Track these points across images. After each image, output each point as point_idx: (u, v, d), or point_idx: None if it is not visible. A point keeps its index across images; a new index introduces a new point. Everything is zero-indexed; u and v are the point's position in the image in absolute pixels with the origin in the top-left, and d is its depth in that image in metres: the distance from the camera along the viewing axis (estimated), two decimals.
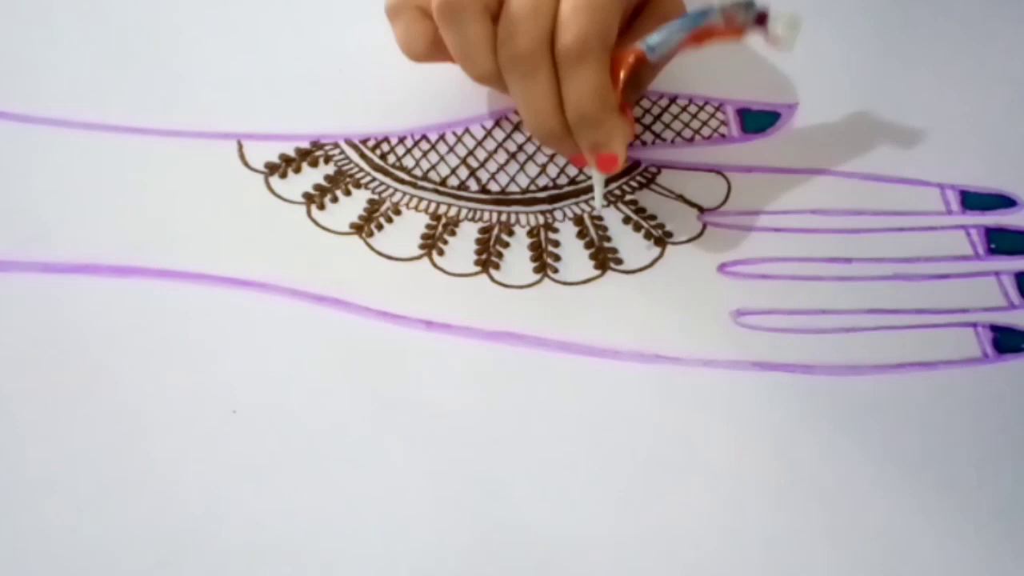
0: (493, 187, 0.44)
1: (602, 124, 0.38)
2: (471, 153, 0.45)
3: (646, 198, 0.44)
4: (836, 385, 0.39)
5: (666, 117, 0.46)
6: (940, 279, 0.42)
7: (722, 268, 0.42)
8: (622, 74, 0.39)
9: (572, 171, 0.44)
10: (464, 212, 0.43)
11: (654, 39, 0.38)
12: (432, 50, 0.41)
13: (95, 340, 0.39)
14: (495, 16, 0.39)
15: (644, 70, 0.41)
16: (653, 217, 0.43)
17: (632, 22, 0.41)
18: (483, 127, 0.45)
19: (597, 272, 0.41)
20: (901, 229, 0.43)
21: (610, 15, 0.38)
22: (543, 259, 0.42)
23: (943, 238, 0.43)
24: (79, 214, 0.42)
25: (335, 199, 0.43)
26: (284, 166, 0.44)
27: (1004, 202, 0.44)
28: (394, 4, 0.41)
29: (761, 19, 0.40)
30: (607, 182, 0.43)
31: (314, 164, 0.44)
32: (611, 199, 0.43)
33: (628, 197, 0.44)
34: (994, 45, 0.49)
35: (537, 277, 0.41)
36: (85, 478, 0.36)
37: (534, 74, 0.38)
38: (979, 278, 0.42)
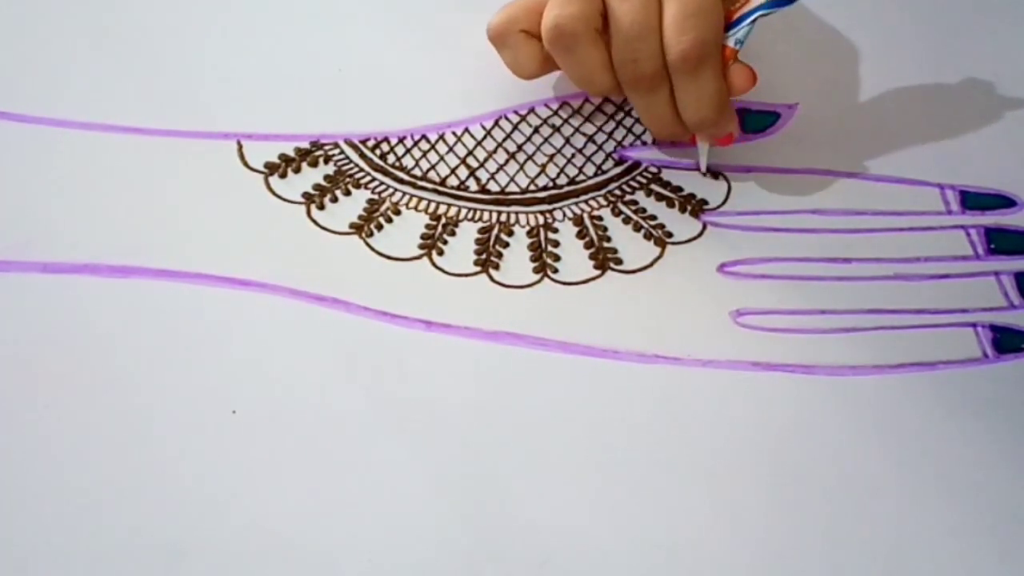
0: (493, 187, 0.44)
1: (719, 123, 0.41)
2: (471, 153, 0.45)
3: (646, 198, 0.44)
4: (836, 385, 0.39)
5: None
6: (940, 279, 0.42)
7: (722, 268, 0.42)
8: (726, 68, 0.40)
9: (571, 171, 0.44)
10: (464, 212, 0.43)
11: (741, 33, 0.40)
12: (543, 69, 0.43)
13: (95, 340, 0.39)
14: (601, 31, 0.40)
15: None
16: (653, 217, 0.43)
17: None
18: (483, 127, 0.45)
19: (597, 272, 0.41)
20: (901, 229, 0.43)
21: (717, 16, 0.39)
22: (543, 259, 0.42)
23: (943, 238, 0.43)
24: (79, 214, 0.42)
25: (335, 199, 0.43)
26: (284, 166, 0.44)
27: (1004, 202, 0.44)
28: (498, 30, 0.42)
29: None
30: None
31: (314, 164, 0.44)
32: (611, 199, 0.44)
33: (628, 197, 0.44)
34: (993, 45, 0.49)
35: (537, 277, 0.41)
36: (85, 478, 0.36)
37: (658, 89, 0.40)
38: (979, 278, 0.42)
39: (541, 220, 0.43)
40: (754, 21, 0.40)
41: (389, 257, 0.42)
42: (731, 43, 0.40)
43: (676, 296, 0.41)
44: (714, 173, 0.44)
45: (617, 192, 0.44)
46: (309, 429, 0.37)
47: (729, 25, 0.40)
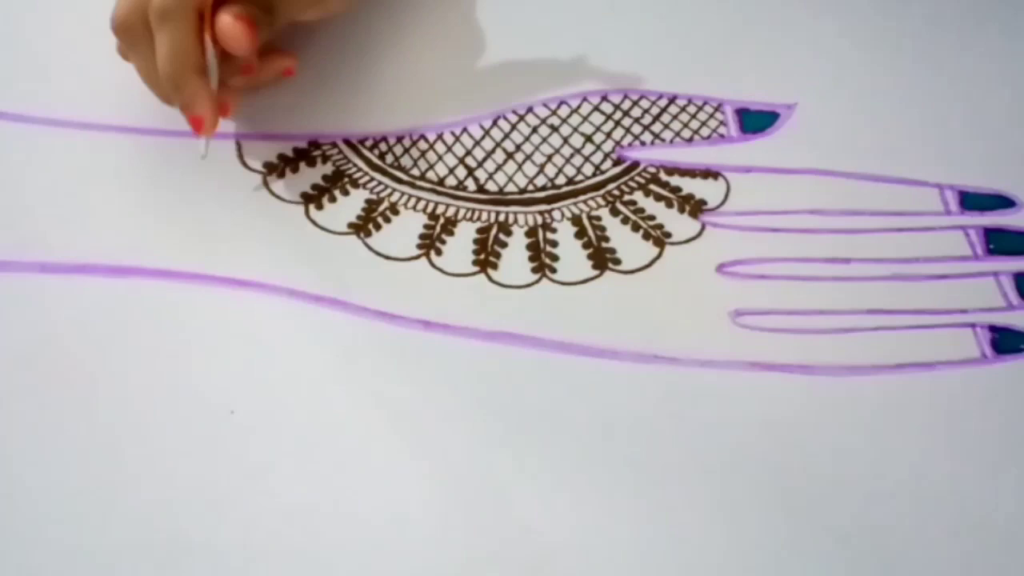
0: (491, 187, 0.44)
1: (184, 86, 0.39)
2: (469, 153, 0.45)
3: (645, 198, 0.44)
4: (834, 385, 0.39)
5: (665, 117, 0.46)
6: (939, 279, 0.42)
7: (721, 268, 0.42)
8: (207, 33, 0.39)
9: (570, 171, 0.44)
10: (462, 212, 0.43)
11: None
12: None
13: (94, 340, 0.39)
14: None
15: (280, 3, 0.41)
16: (652, 217, 0.43)
17: None
18: (481, 127, 0.45)
19: (595, 272, 0.41)
20: (900, 229, 0.43)
21: None
22: (541, 259, 0.42)
23: (942, 238, 0.43)
24: (78, 214, 0.42)
25: (333, 199, 0.43)
26: (282, 166, 0.44)
27: (1003, 203, 0.44)
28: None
29: None
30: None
31: (312, 164, 0.44)
32: (610, 199, 0.44)
33: (627, 197, 0.44)
34: (993, 46, 0.49)
35: (535, 277, 0.41)
36: (84, 478, 0.36)
37: (136, 43, 0.40)
38: (978, 279, 0.42)
39: (539, 220, 0.43)
40: None
41: (388, 257, 0.42)
42: None
43: (675, 296, 0.41)
44: (713, 173, 0.44)
45: (616, 192, 0.44)
46: (307, 429, 0.37)
47: None
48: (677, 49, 0.48)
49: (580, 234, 0.42)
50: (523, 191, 0.44)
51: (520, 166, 0.44)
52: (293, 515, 0.35)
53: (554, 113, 0.46)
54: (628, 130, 0.45)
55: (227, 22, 0.39)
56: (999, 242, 0.43)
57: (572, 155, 0.45)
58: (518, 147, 0.45)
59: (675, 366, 0.39)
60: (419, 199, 0.43)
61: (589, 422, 0.38)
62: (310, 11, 0.43)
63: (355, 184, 0.43)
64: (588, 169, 0.44)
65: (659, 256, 0.42)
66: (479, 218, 0.43)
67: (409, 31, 0.48)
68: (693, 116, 0.46)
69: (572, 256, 0.42)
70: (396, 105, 0.46)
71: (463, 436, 0.37)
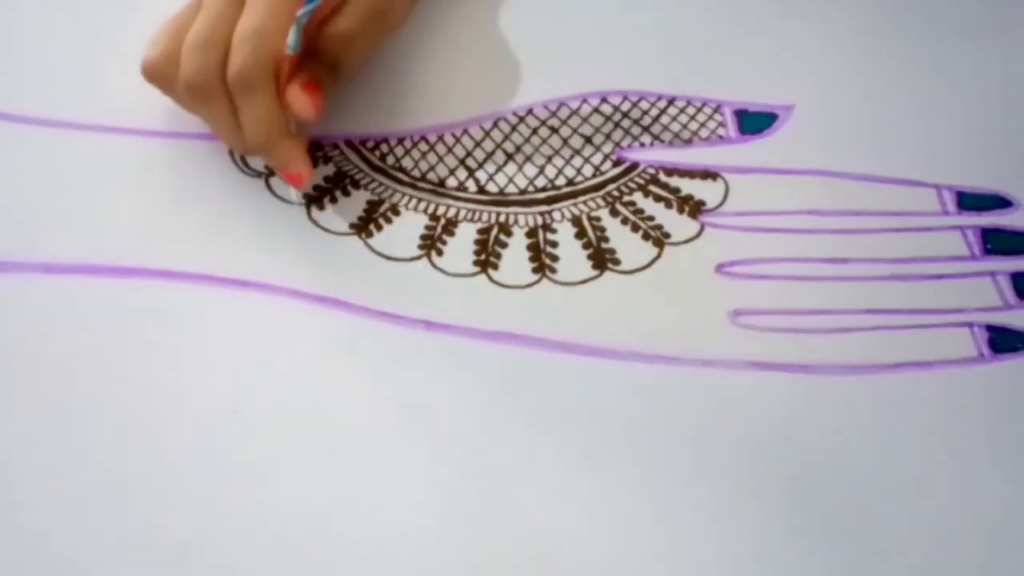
0: (491, 188, 0.44)
1: (275, 151, 0.40)
2: (470, 154, 0.45)
3: (644, 199, 0.44)
4: (833, 385, 0.39)
5: (664, 118, 0.46)
6: (936, 279, 0.42)
7: (720, 268, 0.42)
8: (282, 85, 0.39)
9: (570, 172, 0.44)
10: (463, 213, 0.43)
11: (290, 37, 0.39)
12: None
13: (96, 340, 0.39)
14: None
15: (338, 53, 0.42)
16: (651, 218, 0.43)
17: (336, 16, 0.42)
18: (482, 128, 0.45)
19: (595, 272, 0.42)
20: (897, 230, 0.43)
21: (274, 38, 0.39)
22: (541, 259, 0.42)
23: (939, 238, 0.43)
24: (80, 215, 0.42)
25: (334, 200, 0.43)
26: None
27: (1000, 203, 0.44)
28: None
29: None
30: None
31: (313, 165, 0.44)
32: (609, 200, 0.44)
33: (626, 198, 0.44)
34: (992, 46, 0.49)
35: (535, 277, 0.41)
36: (86, 478, 0.36)
37: (209, 102, 0.40)
38: (975, 278, 0.42)
39: (540, 221, 0.43)
40: (299, 26, 0.39)
41: (389, 257, 0.42)
42: (288, 51, 0.39)
43: (674, 296, 0.41)
44: (712, 174, 0.44)
45: (615, 193, 0.44)
46: (309, 429, 0.37)
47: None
48: (676, 50, 0.48)
49: (580, 235, 0.43)
50: (523, 192, 0.44)
51: (520, 167, 0.44)
52: (295, 514, 0.35)
53: (554, 115, 0.46)
54: (627, 131, 0.46)
55: (295, 93, 0.39)
56: (996, 242, 0.43)
57: (572, 156, 0.45)
58: (518, 148, 0.45)
59: (675, 366, 0.39)
60: (420, 200, 0.43)
61: (589, 422, 0.38)
62: (370, 50, 0.44)
63: (356, 185, 0.44)
64: (588, 170, 0.44)
65: (658, 256, 0.42)
66: (480, 219, 0.43)
67: (409, 33, 0.48)
68: (692, 117, 0.46)
69: (572, 256, 0.42)
70: (397, 107, 0.46)
71: (464, 436, 0.37)
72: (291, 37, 0.39)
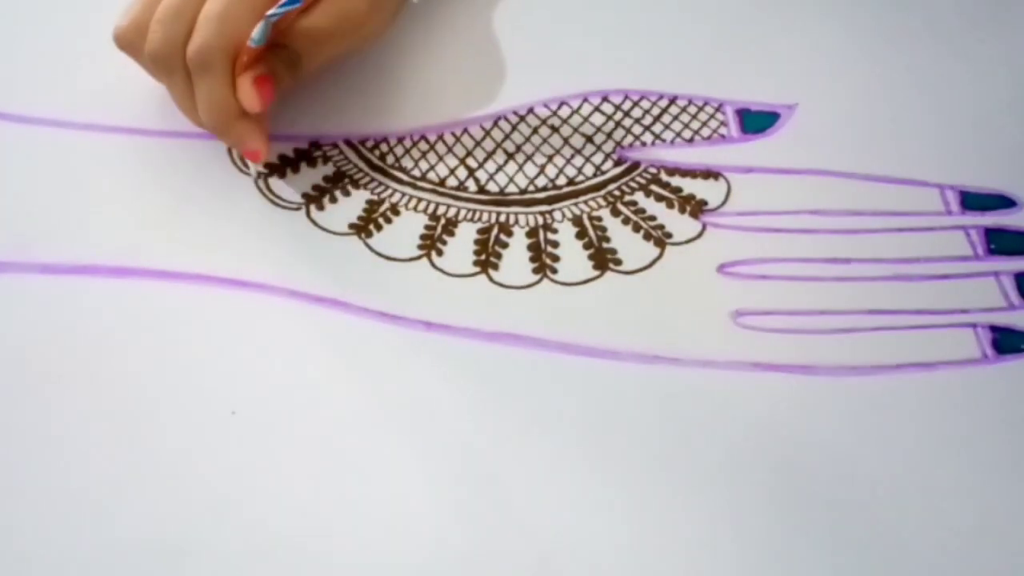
0: (492, 188, 0.44)
1: (229, 131, 0.41)
2: (470, 153, 0.45)
3: (645, 199, 0.44)
4: (835, 386, 0.39)
5: (666, 117, 0.46)
6: (939, 280, 0.42)
7: (721, 269, 0.42)
8: (237, 71, 0.40)
9: (570, 172, 0.44)
10: (463, 212, 0.43)
11: (256, 31, 0.39)
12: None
13: (95, 341, 0.39)
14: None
15: (300, 51, 0.42)
16: (652, 218, 0.43)
17: (307, 14, 0.41)
18: (482, 128, 0.45)
19: (596, 272, 0.41)
20: (900, 229, 0.43)
21: (236, 23, 0.39)
22: (542, 260, 0.42)
23: (942, 238, 0.43)
24: (79, 215, 0.42)
25: (334, 200, 0.43)
26: (283, 167, 0.44)
27: (1003, 202, 0.44)
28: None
29: None
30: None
31: (313, 165, 0.44)
32: (610, 200, 0.44)
33: (627, 198, 0.44)
34: (994, 45, 0.49)
35: (536, 278, 0.41)
36: (85, 478, 0.36)
37: (170, 75, 0.41)
38: (978, 278, 0.42)
39: (540, 220, 0.43)
40: (267, 23, 0.39)
41: (388, 258, 0.42)
42: (249, 41, 0.39)
43: (676, 297, 0.41)
44: (714, 174, 0.44)
45: (616, 192, 0.44)
46: (309, 430, 0.37)
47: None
48: (678, 49, 0.48)
49: (581, 234, 0.42)
50: (524, 192, 0.44)
51: (521, 167, 0.44)
52: (294, 515, 0.35)
53: (555, 114, 0.46)
54: (629, 131, 0.46)
55: (245, 85, 0.40)
56: (1000, 242, 0.43)
57: (573, 156, 0.45)
58: (519, 148, 0.45)
59: (676, 366, 0.39)
60: (420, 200, 0.43)
61: (590, 423, 0.38)
62: (337, 54, 0.44)
63: (356, 185, 0.43)
64: (589, 170, 0.44)
65: (660, 256, 0.42)
66: (480, 219, 0.43)
67: (409, 32, 0.48)
68: (694, 116, 0.46)
69: (573, 257, 0.42)
70: (397, 106, 0.46)
71: (464, 436, 0.37)
72: (257, 31, 0.39)
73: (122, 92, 0.46)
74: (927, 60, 0.48)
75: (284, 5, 0.38)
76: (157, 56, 0.40)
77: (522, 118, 0.46)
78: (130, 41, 0.42)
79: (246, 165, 0.44)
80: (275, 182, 0.43)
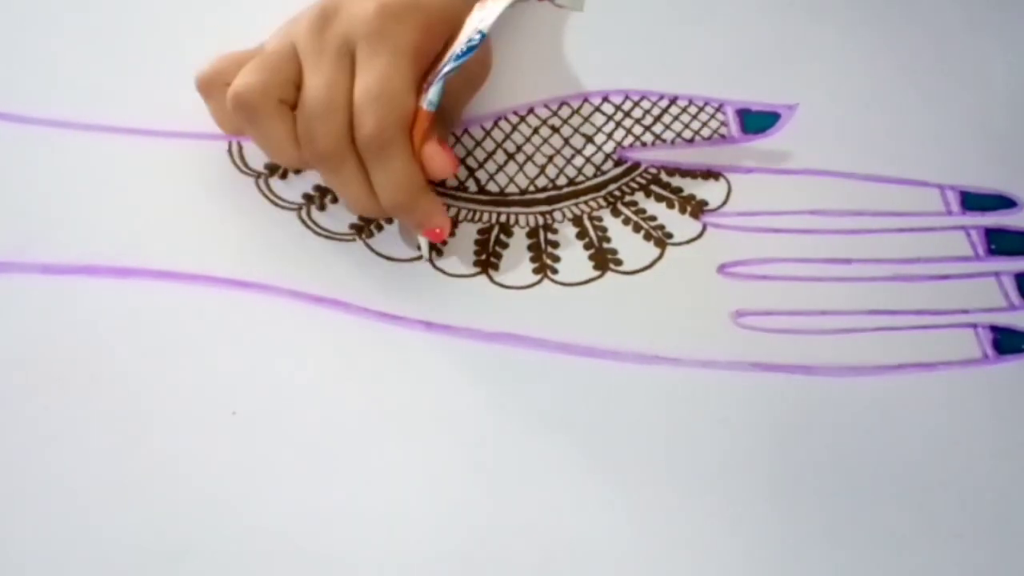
0: (492, 188, 0.44)
1: (415, 208, 0.39)
2: (470, 154, 0.45)
3: (646, 199, 0.44)
4: (836, 386, 0.39)
5: (666, 118, 0.46)
6: (940, 280, 0.42)
7: (722, 269, 0.42)
8: (419, 142, 0.38)
9: (571, 172, 0.44)
10: (463, 213, 0.43)
11: (432, 94, 0.38)
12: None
13: (95, 341, 0.39)
14: (293, 105, 0.39)
15: (448, 108, 0.41)
16: (653, 218, 0.43)
17: (438, 61, 0.40)
18: (482, 128, 0.45)
19: (596, 273, 0.41)
20: (901, 230, 0.43)
21: (402, 98, 0.38)
22: (542, 260, 0.42)
23: (943, 239, 0.43)
24: (79, 215, 0.42)
25: (335, 200, 0.43)
26: (284, 167, 0.44)
27: (1004, 203, 0.44)
28: (205, 82, 0.41)
29: None
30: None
31: None
32: (611, 200, 0.44)
33: (628, 198, 0.44)
34: (994, 45, 0.49)
35: (536, 278, 0.41)
36: (85, 478, 0.36)
37: (340, 169, 0.39)
38: (979, 279, 0.42)
39: (541, 221, 0.43)
40: (444, 79, 0.38)
41: (389, 258, 0.42)
42: (424, 105, 0.38)
43: (676, 297, 0.41)
44: (714, 174, 0.44)
45: (617, 193, 0.44)
46: (309, 430, 0.37)
47: (426, 88, 0.38)
48: (678, 49, 0.48)
49: (581, 235, 0.42)
50: (524, 192, 0.44)
51: (521, 167, 0.44)
52: (295, 515, 0.35)
53: (555, 114, 0.46)
54: (629, 131, 0.45)
55: (435, 151, 0.39)
56: (1000, 242, 0.43)
57: (573, 156, 0.45)
58: (519, 148, 0.45)
59: (676, 367, 0.39)
60: None
61: (590, 422, 0.38)
62: (470, 100, 0.44)
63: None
64: (589, 170, 0.44)
65: (660, 257, 0.42)
66: (480, 219, 0.43)
67: None
68: (694, 117, 0.46)
69: (573, 257, 0.42)
70: None
71: (464, 436, 0.37)
72: (434, 93, 0.38)
73: (123, 92, 0.46)
74: (927, 60, 0.48)
75: (459, 57, 0.38)
76: (326, 153, 0.38)
77: (522, 118, 0.46)
78: (253, 104, 0.38)
79: (247, 165, 0.44)
80: (275, 182, 0.43)
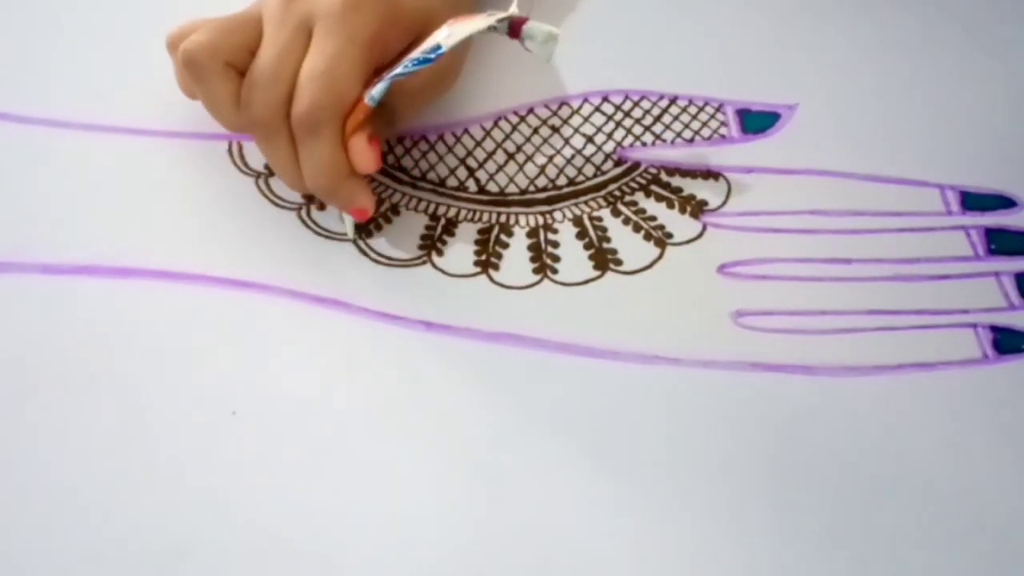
0: (492, 188, 0.44)
1: (337, 192, 0.39)
2: (470, 154, 0.45)
3: (646, 199, 0.44)
4: (836, 386, 0.39)
5: (666, 118, 0.46)
6: (940, 280, 0.42)
7: (722, 269, 0.42)
8: (349, 131, 0.38)
9: (571, 172, 0.44)
10: (463, 213, 0.43)
11: (376, 91, 0.38)
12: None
13: (95, 341, 0.39)
14: (242, 71, 0.39)
15: (396, 108, 0.41)
16: (653, 218, 0.43)
17: (400, 57, 0.40)
18: (482, 128, 0.45)
19: (596, 273, 0.41)
20: (901, 230, 0.43)
21: (345, 84, 0.38)
22: (542, 260, 0.42)
23: (943, 239, 0.43)
24: (79, 215, 0.42)
25: None
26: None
27: (1004, 203, 0.44)
28: (171, 39, 0.41)
29: (514, 32, 0.39)
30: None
31: None
32: (611, 200, 0.44)
33: (628, 198, 0.44)
34: (996, 45, 0.49)
35: (536, 278, 0.41)
36: (85, 479, 0.36)
37: (273, 139, 0.39)
38: (979, 279, 0.42)
39: (541, 221, 0.43)
40: (390, 81, 0.38)
41: (389, 258, 0.42)
42: (365, 98, 0.38)
43: (676, 297, 0.41)
44: (714, 174, 0.44)
45: (617, 193, 0.44)
46: (309, 430, 0.37)
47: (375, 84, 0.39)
48: (678, 49, 0.48)
49: (581, 235, 0.42)
50: (524, 192, 0.44)
51: (521, 167, 0.44)
52: (294, 515, 0.35)
53: (555, 114, 0.46)
54: (629, 131, 0.45)
55: (361, 146, 0.39)
56: (1000, 242, 0.43)
57: (573, 156, 0.45)
58: (519, 148, 0.45)
59: (676, 367, 0.39)
60: (420, 200, 0.43)
61: (590, 423, 0.38)
62: (422, 107, 0.44)
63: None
64: (589, 170, 0.44)
65: (660, 257, 0.42)
66: (480, 219, 0.43)
67: None
68: (694, 117, 0.46)
69: (573, 257, 0.42)
70: None
71: (464, 437, 0.37)
72: (377, 90, 0.38)
73: (122, 92, 0.46)
74: (927, 60, 0.48)
75: (414, 64, 0.38)
76: (260, 121, 0.39)
77: (522, 118, 0.46)
78: (199, 62, 0.39)
79: (246, 165, 0.44)
80: (275, 182, 0.43)
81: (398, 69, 0.38)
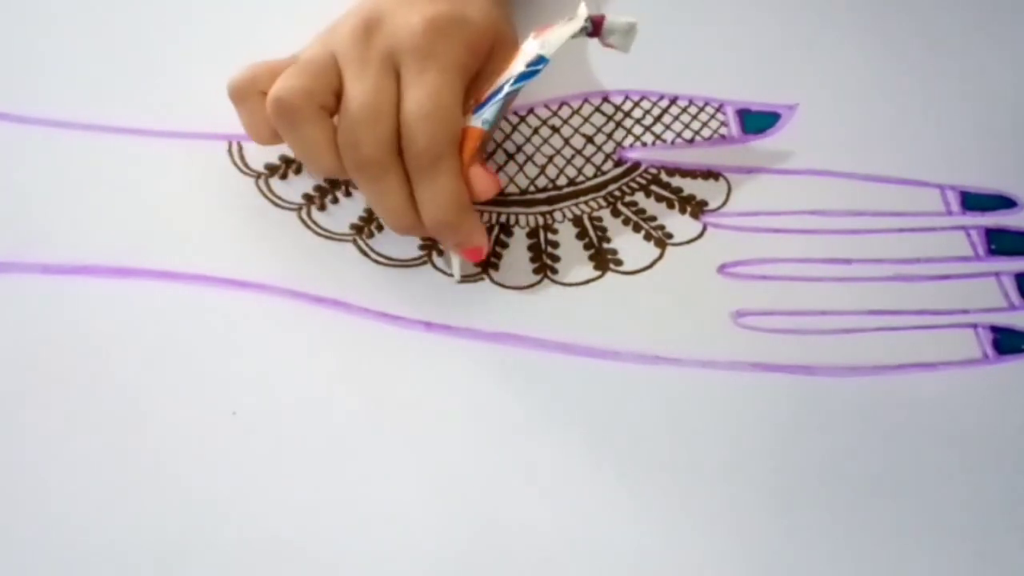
0: None
1: (459, 228, 0.38)
2: None
3: (646, 199, 0.44)
4: (836, 386, 0.39)
5: (666, 118, 0.46)
6: (940, 280, 0.42)
7: (722, 269, 0.42)
8: (468, 160, 0.38)
9: (571, 172, 0.44)
10: None
11: (488, 113, 0.38)
12: (279, 138, 0.40)
13: (95, 342, 0.39)
14: (332, 112, 0.38)
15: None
16: (653, 218, 0.43)
17: (477, 81, 0.40)
18: None
19: (597, 273, 0.41)
20: (901, 230, 0.43)
21: (452, 112, 0.37)
22: (542, 260, 0.42)
23: (943, 239, 0.43)
24: (79, 215, 0.42)
25: (335, 200, 0.43)
26: (284, 167, 0.44)
27: (1004, 203, 0.44)
28: (238, 88, 0.40)
29: (596, 30, 0.40)
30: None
31: None
32: (611, 200, 0.44)
33: (628, 198, 0.44)
34: (994, 45, 0.49)
35: (537, 278, 0.41)
36: (85, 479, 0.36)
37: (382, 179, 0.38)
38: (979, 279, 0.42)
39: (541, 221, 0.43)
40: (504, 100, 0.38)
41: (389, 258, 0.42)
42: (478, 123, 0.38)
43: (676, 297, 0.41)
44: (715, 174, 0.44)
45: (617, 193, 0.44)
46: (309, 431, 0.37)
47: (479, 106, 0.38)
48: (678, 50, 0.48)
49: (581, 235, 0.42)
50: (524, 192, 0.44)
51: (521, 167, 0.44)
52: (294, 515, 0.35)
53: (555, 114, 0.46)
54: (629, 131, 0.45)
55: (480, 173, 0.38)
56: (1000, 242, 0.43)
57: (573, 156, 0.45)
58: (519, 148, 0.45)
59: (676, 367, 0.39)
60: None
61: (590, 423, 0.38)
62: None
63: (356, 186, 0.43)
64: (589, 170, 0.44)
65: (660, 257, 0.42)
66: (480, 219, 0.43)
67: None
68: (694, 117, 0.46)
69: (573, 257, 0.42)
70: None
71: (464, 437, 0.37)
72: (490, 112, 0.38)
73: (123, 92, 0.46)
74: (927, 60, 0.48)
75: (519, 80, 0.37)
76: (370, 161, 0.37)
77: (522, 118, 0.46)
78: (297, 108, 0.37)
79: (247, 165, 0.44)
80: (275, 182, 0.43)
81: (507, 88, 0.38)
